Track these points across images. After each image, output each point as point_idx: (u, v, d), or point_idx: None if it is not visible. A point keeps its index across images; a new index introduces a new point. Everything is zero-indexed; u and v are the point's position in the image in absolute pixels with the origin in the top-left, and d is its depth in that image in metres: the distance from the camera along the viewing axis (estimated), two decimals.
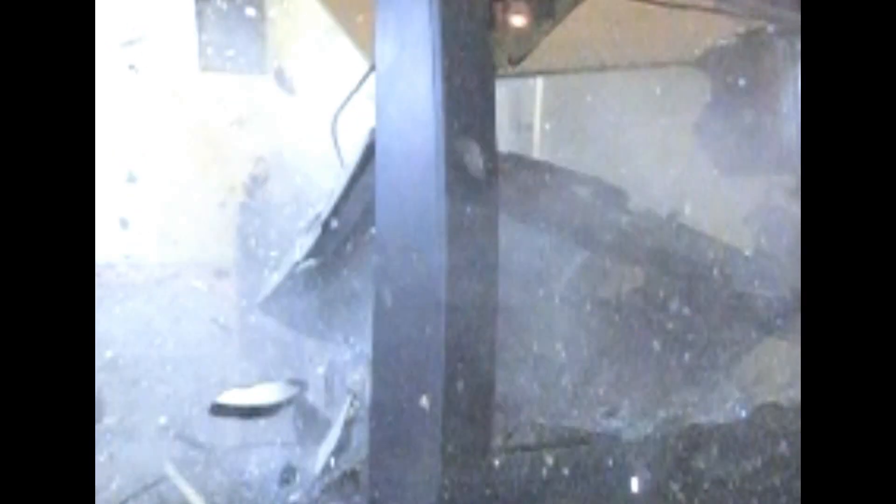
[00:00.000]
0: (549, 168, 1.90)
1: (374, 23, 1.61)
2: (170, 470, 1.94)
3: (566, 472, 1.64)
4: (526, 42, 1.55)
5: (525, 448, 1.63)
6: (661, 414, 1.82)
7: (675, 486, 1.72)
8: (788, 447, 1.86)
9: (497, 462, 1.58)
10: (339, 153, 1.92)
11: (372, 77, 1.62)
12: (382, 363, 1.67)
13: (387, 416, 1.67)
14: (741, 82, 2.24)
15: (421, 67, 1.56)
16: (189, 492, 1.96)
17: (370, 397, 1.65)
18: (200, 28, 2.85)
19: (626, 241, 1.96)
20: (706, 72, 2.18)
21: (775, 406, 1.96)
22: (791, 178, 2.24)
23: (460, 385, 1.55)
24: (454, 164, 1.54)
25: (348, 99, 1.78)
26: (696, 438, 1.81)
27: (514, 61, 1.52)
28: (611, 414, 1.77)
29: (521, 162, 1.86)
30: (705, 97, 2.19)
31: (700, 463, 1.78)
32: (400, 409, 1.64)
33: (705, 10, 2.13)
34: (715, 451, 1.81)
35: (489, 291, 1.58)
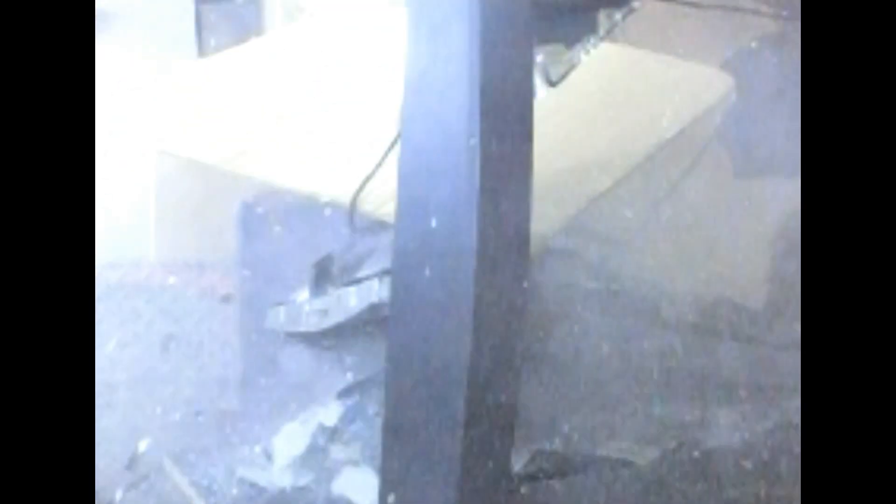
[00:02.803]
0: None
1: (405, 29, 1.51)
2: (167, 464, 1.89)
3: (580, 499, 1.61)
4: (567, 62, 1.46)
5: (534, 477, 1.59)
6: (670, 438, 1.79)
7: None
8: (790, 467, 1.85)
9: (512, 490, 1.53)
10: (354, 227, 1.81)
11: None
12: (397, 380, 1.61)
13: (400, 437, 1.62)
14: (766, 85, 2.17)
15: (455, 85, 1.47)
16: (184, 485, 1.91)
17: (383, 418, 1.59)
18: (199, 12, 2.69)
19: None
20: (733, 74, 2.10)
21: (780, 426, 1.95)
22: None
23: (482, 407, 1.49)
24: (486, 189, 1.47)
25: (372, 174, 1.68)
26: (704, 462, 1.79)
27: (555, 82, 1.43)
28: (616, 438, 1.74)
29: None
30: (730, 100, 2.12)
31: (709, 487, 1.76)
32: (415, 431, 1.59)
33: (737, 9, 2.07)
34: (724, 474, 1.79)
35: (517, 314, 1.52)
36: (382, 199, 1.82)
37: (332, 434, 1.83)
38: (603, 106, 1.89)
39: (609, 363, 1.82)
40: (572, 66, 1.47)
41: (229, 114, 2.10)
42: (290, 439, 1.89)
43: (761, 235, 2.22)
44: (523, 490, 1.51)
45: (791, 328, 2.08)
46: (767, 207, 2.24)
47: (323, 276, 1.88)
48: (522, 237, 1.55)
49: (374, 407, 1.81)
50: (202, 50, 2.73)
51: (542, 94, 1.43)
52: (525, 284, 1.54)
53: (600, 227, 2.13)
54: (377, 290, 1.72)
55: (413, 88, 1.53)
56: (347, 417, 1.83)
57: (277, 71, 2.27)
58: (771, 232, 2.22)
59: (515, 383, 1.55)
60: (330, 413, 1.84)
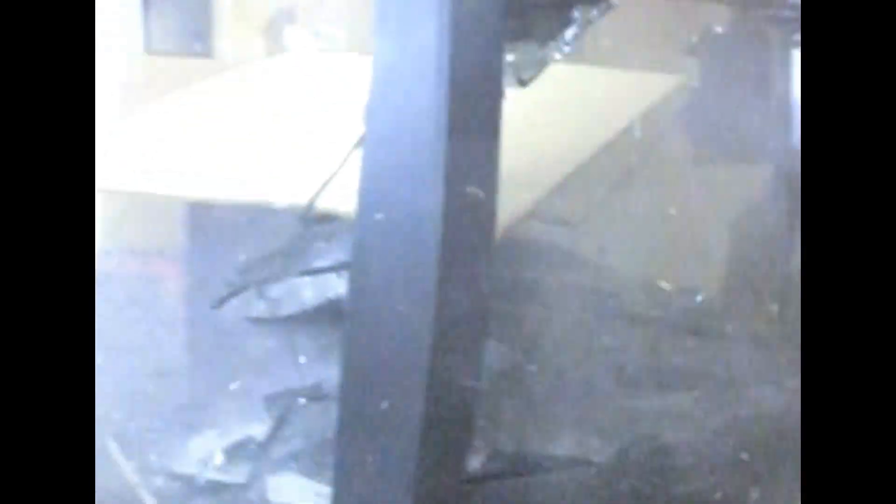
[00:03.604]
0: None
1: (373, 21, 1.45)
2: (112, 448, 1.84)
3: (537, 499, 1.60)
4: (539, 61, 1.41)
5: (491, 477, 1.57)
6: (628, 433, 1.78)
7: None
8: (754, 458, 1.86)
9: (469, 491, 1.51)
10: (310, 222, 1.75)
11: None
12: (353, 376, 1.57)
13: (355, 434, 1.59)
14: (731, 69, 2.15)
15: (423, 81, 1.42)
16: (128, 470, 1.87)
17: (338, 414, 1.55)
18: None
19: None
20: (698, 58, 2.07)
21: (744, 417, 1.95)
22: (771, 168, 2.20)
23: (441, 405, 1.46)
24: (452, 185, 1.42)
25: (335, 174, 1.61)
26: (665, 455, 1.79)
27: (525, 82, 1.39)
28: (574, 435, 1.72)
29: None
30: (693, 83, 2.09)
31: (671, 480, 1.76)
32: (370, 429, 1.56)
33: None
34: (685, 467, 1.79)
35: (480, 310, 1.49)
36: (343, 199, 1.77)
37: (273, 433, 1.79)
38: (555, 106, 1.85)
39: (567, 357, 1.80)
40: (545, 66, 1.43)
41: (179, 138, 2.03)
42: (227, 435, 1.86)
43: (720, 222, 2.21)
44: (479, 491, 1.48)
45: (747, 317, 2.08)
46: (727, 194, 2.22)
47: (275, 263, 1.83)
48: (487, 234, 1.51)
49: (315, 407, 1.77)
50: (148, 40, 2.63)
51: (513, 95, 1.38)
52: (485, 283, 1.50)
53: (558, 213, 2.11)
54: (334, 285, 1.67)
55: (380, 83, 1.48)
56: (288, 417, 1.79)
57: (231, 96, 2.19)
58: (730, 219, 2.21)
59: (476, 381, 1.53)
60: (270, 411, 1.81)
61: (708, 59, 2.09)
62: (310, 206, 1.67)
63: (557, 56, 1.43)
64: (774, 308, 2.10)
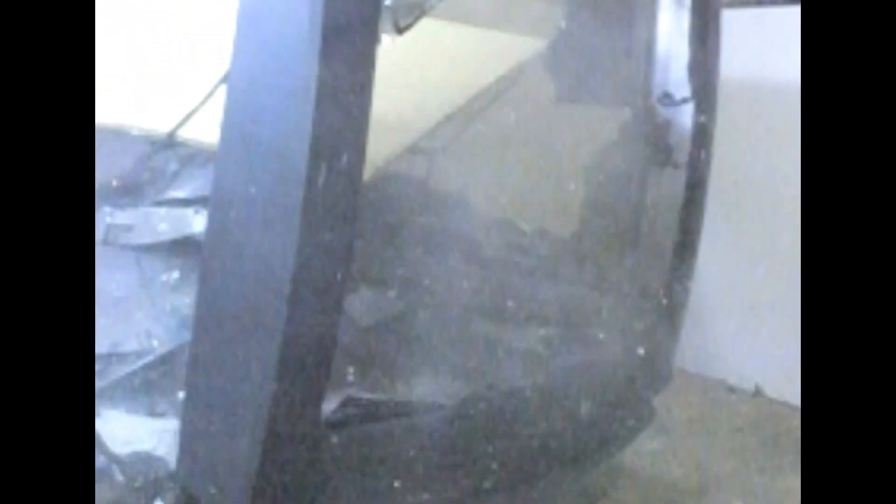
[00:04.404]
0: None
1: None
2: None
3: (390, 444, 1.60)
4: (417, 7, 1.37)
5: (345, 423, 1.56)
6: (482, 375, 1.80)
7: (489, 449, 1.73)
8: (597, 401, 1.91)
9: (322, 437, 1.50)
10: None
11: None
12: (210, 305, 1.52)
13: (206, 369, 1.54)
14: (594, 11, 2.14)
15: (295, 16, 1.35)
16: None
17: (189, 357, 1.50)
18: None
19: None
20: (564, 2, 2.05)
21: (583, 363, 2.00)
22: (630, 112, 2.22)
23: (298, 349, 1.43)
24: (320, 128, 1.38)
25: (198, 108, 1.53)
26: (514, 398, 1.82)
27: (402, 28, 1.34)
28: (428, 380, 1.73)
29: None
30: (559, 24, 2.07)
31: (519, 423, 1.79)
32: (224, 361, 1.52)
33: None
34: (530, 410, 1.83)
35: (344, 250, 1.46)
36: (205, 130, 1.69)
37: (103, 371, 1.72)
38: (427, 60, 1.81)
39: (427, 301, 1.80)
40: (422, 13, 1.38)
41: None
42: None
43: (577, 163, 2.23)
44: (333, 437, 1.47)
45: (598, 260, 2.12)
46: (585, 136, 2.24)
47: (128, 189, 1.74)
48: (355, 176, 1.47)
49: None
50: None
51: (389, 41, 1.33)
52: (352, 226, 1.47)
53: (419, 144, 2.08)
54: (192, 222, 1.60)
55: (248, 18, 1.40)
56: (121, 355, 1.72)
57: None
58: (586, 161, 2.22)
59: (335, 325, 1.51)
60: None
61: (573, 3, 2.07)
62: (172, 134, 1.59)
63: (434, 2, 1.38)
64: (625, 251, 2.14)
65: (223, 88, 1.42)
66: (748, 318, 3.04)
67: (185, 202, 1.65)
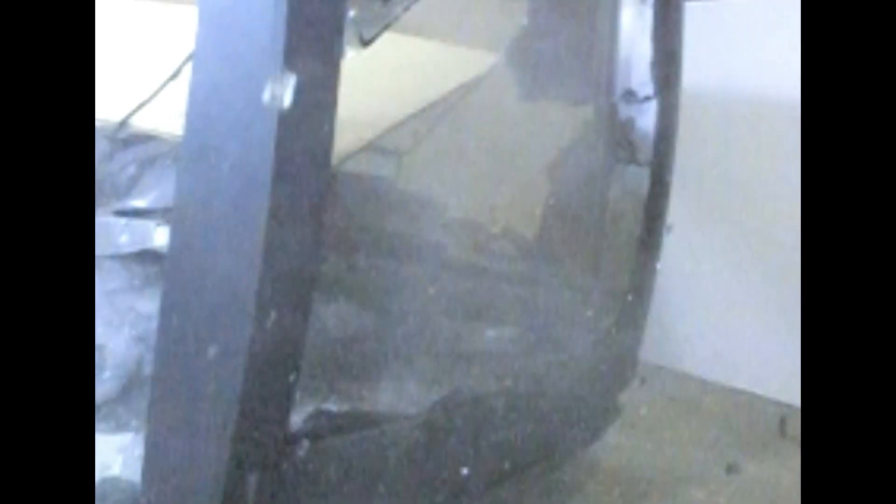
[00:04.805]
0: None
1: None
2: None
3: (362, 458, 1.59)
4: (382, 18, 1.34)
5: (314, 436, 1.55)
6: (449, 382, 1.79)
7: (460, 455, 1.72)
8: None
9: (291, 451, 1.48)
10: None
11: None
12: (173, 313, 1.49)
13: (170, 387, 1.52)
14: (557, 7, 2.13)
15: (257, 24, 1.32)
16: None
17: (154, 355, 1.48)
18: None
19: None
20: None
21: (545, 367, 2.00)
22: (593, 110, 2.22)
23: (266, 361, 1.42)
24: (284, 157, 1.35)
25: (152, 97, 1.49)
26: (480, 404, 1.81)
27: (367, 41, 1.32)
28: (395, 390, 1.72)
29: None
30: (522, 21, 2.06)
31: (486, 430, 1.79)
32: (189, 372, 1.49)
33: None
34: (495, 416, 1.82)
35: (311, 254, 1.43)
36: (163, 120, 1.66)
37: None
38: (388, 71, 1.79)
39: (394, 309, 1.78)
40: (388, 25, 1.35)
41: None
42: None
43: (542, 162, 2.22)
44: (301, 452, 1.46)
45: (560, 262, 2.12)
46: (550, 134, 2.23)
47: None
48: (320, 189, 1.45)
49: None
50: None
51: (352, 54, 1.30)
52: (319, 233, 1.45)
53: (384, 143, 2.06)
54: (153, 235, 1.57)
55: (208, 27, 1.37)
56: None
57: None
58: (550, 159, 2.22)
59: (302, 340, 1.49)
60: None
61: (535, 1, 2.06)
62: (123, 123, 1.55)
63: (400, 11, 1.35)
64: (589, 252, 2.14)
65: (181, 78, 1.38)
66: (715, 309, 3.05)
67: (146, 212, 1.61)
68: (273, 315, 1.44)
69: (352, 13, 1.31)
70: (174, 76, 1.58)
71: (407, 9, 1.36)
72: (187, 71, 1.75)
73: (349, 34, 1.33)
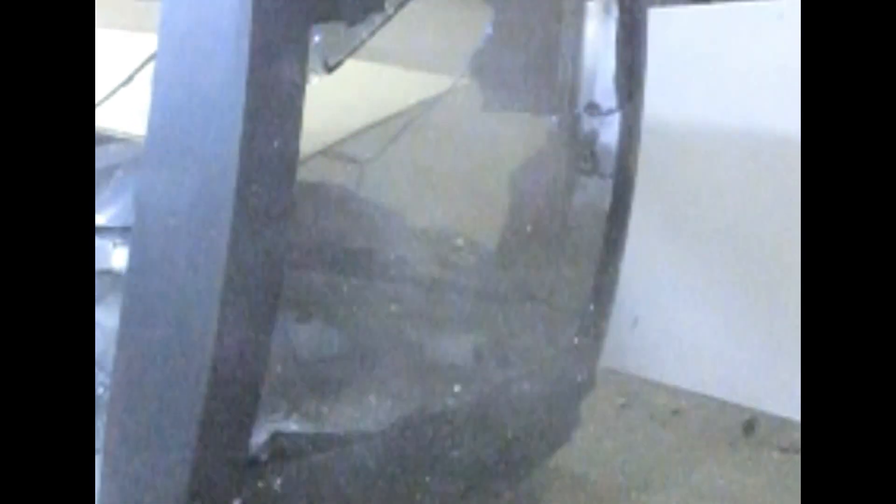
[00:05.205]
0: None
1: None
2: None
3: (324, 480, 1.58)
4: (347, 42, 1.32)
5: (274, 459, 1.54)
6: (411, 399, 1.79)
7: (423, 472, 1.72)
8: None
9: (250, 474, 1.47)
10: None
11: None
12: (132, 335, 1.47)
13: (131, 401, 1.50)
14: (521, 19, 2.12)
15: (220, 53, 1.30)
16: None
17: (111, 388, 1.46)
18: None
19: None
20: (492, 8, 2.03)
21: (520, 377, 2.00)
22: (556, 121, 2.21)
23: (225, 383, 1.40)
24: (246, 187, 1.33)
25: (110, 95, 1.46)
26: (442, 421, 1.81)
27: (331, 67, 1.30)
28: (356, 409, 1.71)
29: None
30: (486, 30, 2.05)
31: (447, 446, 1.78)
32: (148, 395, 1.47)
33: None
34: (462, 430, 1.82)
35: (275, 277, 1.43)
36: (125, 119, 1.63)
37: None
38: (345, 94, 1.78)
39: (357, 327, 1.77)
40: (353, 49, 1.34)
41: None
42: None
43: (502, 172, 2.21)
44: (261, 476, 1.44)
45: (521, 274, 2.11)
46: (511, 145, 2.22)
47: None
48: (283, 213, 1.44)
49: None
50: None
51: (316, 80, 1.29)
52: (281, 262, 1.43)
53: (348, 152, 2.05)
54: (111, 255, 1.55)
55: (170, 51, 1.35)
56: None
57: None
58: (513, 171, 2.21)
59: (265, 356, 1.47)
60: None
61: (499, 6, 2.04)
62: None
63: (365, 35, 1.34)
64: (550, 263, 2.14)
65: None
66: (677, 314, 3.07)
67: (103, 231, 1.58)
68: (235, 337, 1.42)
69: (317, 38, 1.29)
70: (127, 81, 1.55)
71: (372, 34, 1.34)
72: (140, 77, 1.74)
73: (314, 60, 1.31)
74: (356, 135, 1.86)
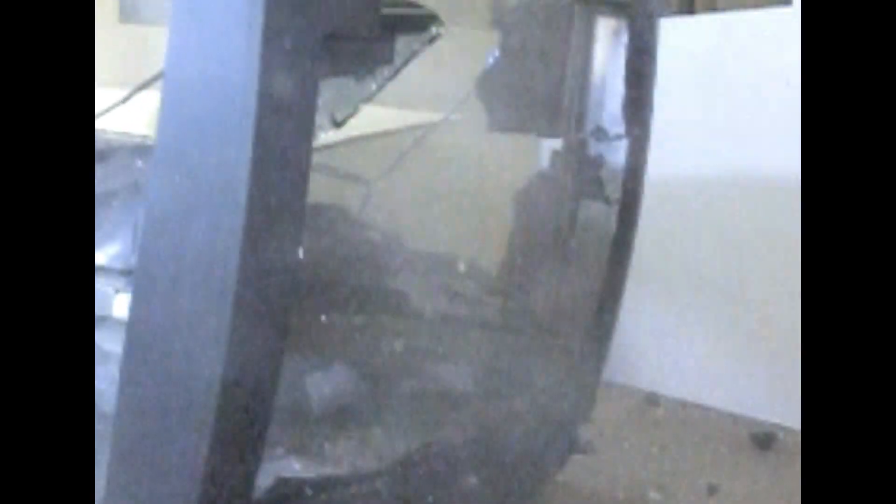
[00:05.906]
0: None
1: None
2: None
3: None
4: (356, 95, 1.30)
5: (277, 501, 1.53)
6: (414, 435, 1.78)
7: None
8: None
9: None
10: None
11: None
12: (136, 375, 1.46)
13: (133, 444, 1.49)
14: (530, 43, 2.09)
15: (227, 110, 1.27)
16: None
17: (113, 429, 1.45)
18: None
19: None
20: (499, 31, 2.00)
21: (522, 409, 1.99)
22: (563, 145, 2.20)
23: (231, 428, 1.39)
24: (254, 242, 1.31)
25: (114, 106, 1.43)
26: (444, 456, 1.80)
27: (340, 122, 1.27)
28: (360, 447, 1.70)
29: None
30: (493, 54, 2.03)
31: (449, 481, 1.78)
32: (151, 438, 1.46)
33: None
34: (465, 465, 1.82)
35: (283, 314, 1.40)
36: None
37: None
38: None
39: (357, 363, 1.76)
40: (361, 104, 1.31)
41: None
42: None
43: (505, 194, 2.20)
44: None
45: (524, 300, 2.10)
46: (515, 165, 2.21)
47: None
48: (290, 261, 1.41)
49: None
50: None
51: (324, 136, 1.26)
52: (285, 322, 1.42)
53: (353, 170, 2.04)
54: (112, 303, 1.52)
55: (174, 101, 1.32)
56: None
57: None
58: (514, 190, 2.20)
59: (270, 401, 1.46)
60: None
61: (507, 30, 2.02)
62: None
63: (374, 88, 1.31)
64: (554, 291, 2.13)
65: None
66: (669, 326, 3.07)
67: (105, 271, 1.55)
68: (241, 381, 1.41)
69: (325, 95, 1.26)
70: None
71: (382, 87, 1.31)
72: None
73: (321, 116, 1.28)
74: (350, 145, 1.83)
